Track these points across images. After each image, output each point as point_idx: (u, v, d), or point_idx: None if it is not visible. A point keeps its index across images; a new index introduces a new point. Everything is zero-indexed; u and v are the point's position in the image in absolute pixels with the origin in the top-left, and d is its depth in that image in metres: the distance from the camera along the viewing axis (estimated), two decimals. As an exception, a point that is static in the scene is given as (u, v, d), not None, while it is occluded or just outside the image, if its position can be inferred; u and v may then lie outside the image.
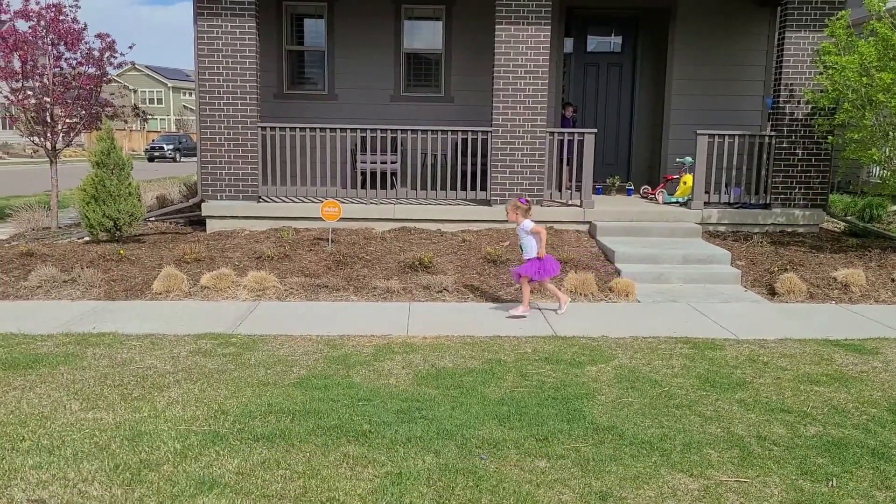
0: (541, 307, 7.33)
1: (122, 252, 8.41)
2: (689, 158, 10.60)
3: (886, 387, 4.94)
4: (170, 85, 75.65)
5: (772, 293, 7.86)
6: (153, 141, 48.85)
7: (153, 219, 10.86)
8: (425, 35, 11.70)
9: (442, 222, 9.90)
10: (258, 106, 9.78)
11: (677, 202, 10.43)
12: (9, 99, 10.41)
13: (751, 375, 5.16)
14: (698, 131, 9.83)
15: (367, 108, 11.44)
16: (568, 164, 10.41)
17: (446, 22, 11.44)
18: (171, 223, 10.89)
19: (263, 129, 9.80)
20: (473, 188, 10.04)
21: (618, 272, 8.35)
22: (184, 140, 50.78)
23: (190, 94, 79.83)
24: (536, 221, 7.09)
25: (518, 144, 9.80)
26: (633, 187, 11.54)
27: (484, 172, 10.07)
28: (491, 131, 9.83)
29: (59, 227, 11.03)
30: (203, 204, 9.85)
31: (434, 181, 10.17)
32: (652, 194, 11.05)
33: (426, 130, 9.95)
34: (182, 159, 46.41)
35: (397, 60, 11.52)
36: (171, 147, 46.74)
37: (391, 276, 8.13)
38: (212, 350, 5.67)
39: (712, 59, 11.53)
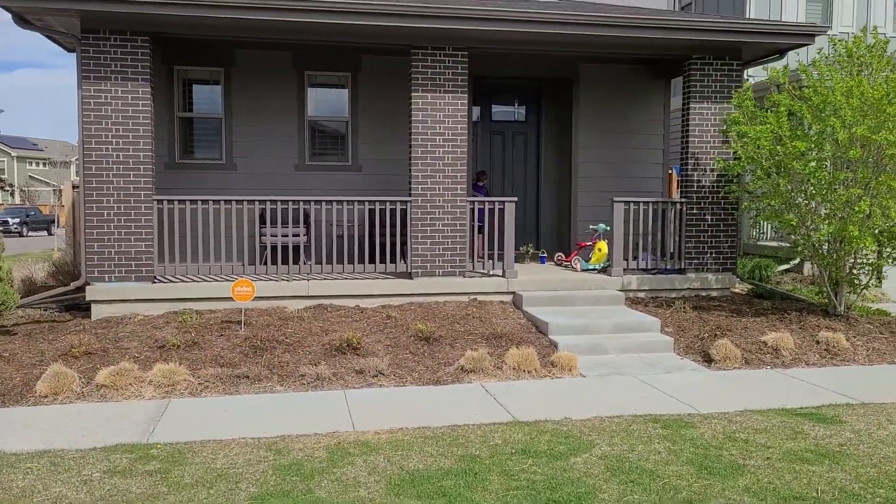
0: (486, 386, 6.87)
1: (-6, 348, 7.15)
2: (602, 225, 10.65)
3: (875, 461, 4.83)
4: (13, 154, 70.06)
5: (707, 360, 7.82)
6: (-4, 208, 44.74)
7: (23, 305, 9.47)
8: (330, 102, 11.24)
9: (360, 298, 9.27)
10: (153, 177, 8.86)
11: (594, 269, 10.40)
12: None
13: (740, 457, 4.90)
14: (615, 199, 9.90)
15: (269, 178, 10.73)
16: (480, 233, 10.17)
17: (352, 89, 11.05)
18: (44, 309, 9.54)
19: (160, 202, 8.86)
20: (393, 260, 9.52)
21: (554, 345, 8.06)
22: (31, 213, 46.83)
23: (36, 164, 74.35)
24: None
25: (438, 214, 9.44)
26: (546, 255, 11.46)
27: (402, 244, 9.60)
28: (410, 201, 9.42)
29: None
30: (88, 287, 8.68)
31: (349, 254, 9.57)
32: (567, 262, 10.99)
33: (333, 201, 9.39)
34: (29, 233, 42.72)
35: (301, 128, 10.95)
36: (16, 220, 42.96)
37: (318, 360, 7.39)
38: (130, 468, 4.73)
39: (614, 127, 11.83)
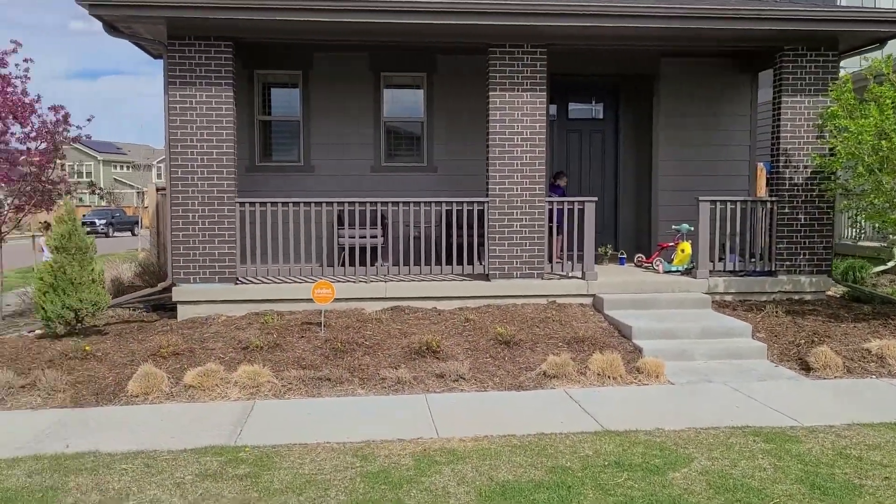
0: (569, 393, 6.67)
1: (87, 348, 7.37)
2: (685, 225, 10.27)
3: None
4: (100, 158, 73.37)
5: (805, 368, 7.40)
6: (85, 216, 46.83)
7: (113, 305, 9.77)
8: (406, 103, 11.21)
9: (437, 300, 9.19)
10: (236, 180, 9.00)
11: (678, 270, 10.04)
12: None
13: (855, 476, 4.57)
14: (700, 198, 9.52)
15: (346, 179, 10.78)
16: (559, 234, 9.94)
17: (427, 90, 10.99)
18: (132, 309, 9.83)
19: (242, 204, 9.00)
20: (469, 262, 9.40)
21: (638, 350, 7.78)
22: (116, 214, 48.98)
23: (120, 167, 77.64)
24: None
25: (516, 214, 9.27)
26: (625, 256, 11.13)
27: (478, 245, 9.48)
28: (487, 202, 9.29)
29: (3, 319, 9.82)
30: (174, 288, 8.89)
31: (427, 256, 9.51)
32: (648, 263, 10.65)
33: (410, 202, 9.33)
34: (115, 234, 44.61)
35: (377, 130, 10.96)
36: (103, 222, 44.99)
37: (397, 363, 7.34)
38: (221, 471, 4.75)
39: (697, 123, 11.41)
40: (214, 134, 8.82)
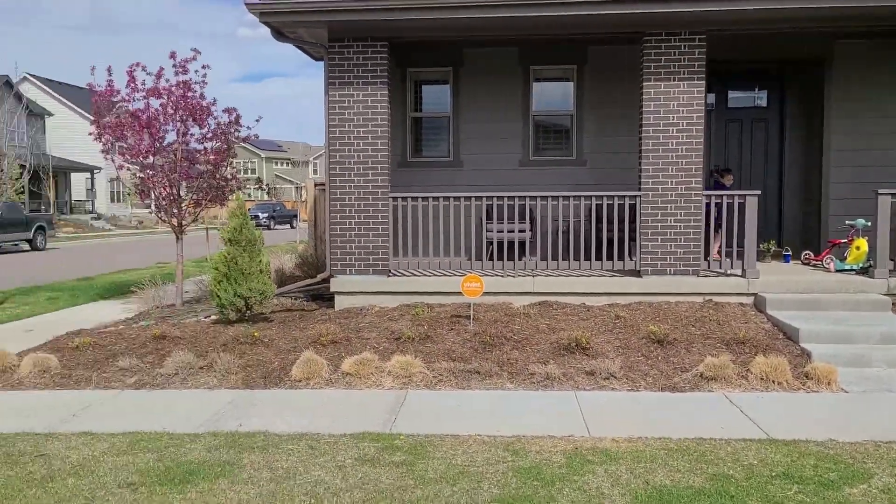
0: (729, 397, 6.33)
1: (255, 334, 7.92)
2: (861, 220, 9.44)
3: None
4: (263, 155, 78.56)
5: None
6: (250, 209, 50.43)
7: (277, 294, 10.43)
8: (555, 96, 11.09)
9: (585, 295, 9.04)
10: (389, 176, 9.31)
11: (851, 269, 9.25)
12: (138, 176, 10.33)
13: None
14: (879, 190, 8.72)
15: (493, 174, 10.84)
16: (717, 230, 9.46)
17: (577, 82, 10.81)
18: (293, 298, 10.44)
19: (395, 199, 9.29)
20: (620, 258, 9.17)
21: (806, 354, 7.25)
22: (277, 208, 52.39)
23: (280, 164, 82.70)
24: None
25: (670, 209, 8.93)
26: (790, 253, 10.41)
27: (630, 240, 9.22)
28: (639, 196, 9.01)
29: (184, 304, 10.75)
30: (332, 279, 9.35)
31: (575, 251, 9.37)
32: (817, 261, 9.89)
33: (559, 196, 9.21)
34: (276, 227, 47.64)
35: (526, 124, 10.93)
36: (265, 215, 48.23)
37: (546, 359, 7.30)
38: (378, 457, 4.94)
39: (874, 110, 10.43)
40: (370, 131, 9.16)
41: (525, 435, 5.39)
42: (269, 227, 46.28)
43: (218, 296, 8.50)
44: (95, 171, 48.15)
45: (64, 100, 49.87)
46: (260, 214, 47.46)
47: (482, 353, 7.49)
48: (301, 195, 48.53)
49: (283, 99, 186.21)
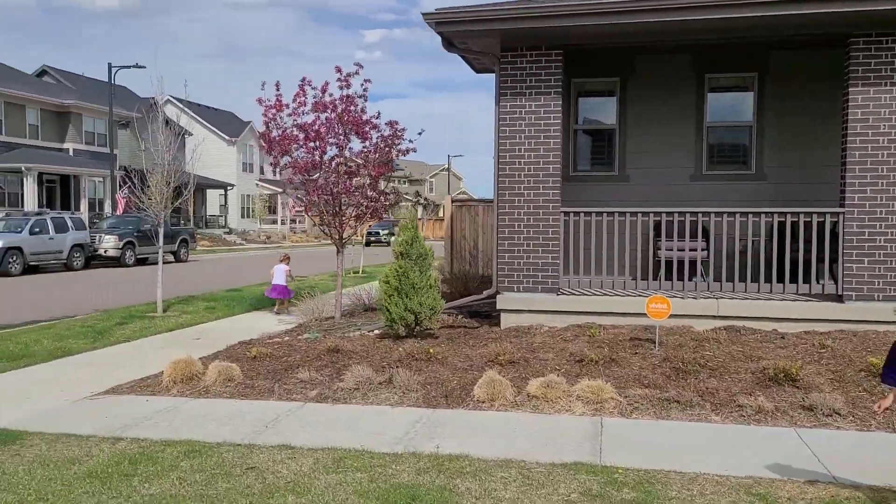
0: None
1: (430, 351, 7.67)
2: None
3: None
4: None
5: None
6: (370, 227, 51.56)
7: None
8: (732, 106, 10.39)
9: (777, 321, 8.27)
10: (560, 189, 8.91)
11: None
12: (303, 189, 10.43)
13: None
14: None
15: (663, 189, 10.23)
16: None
17: (758, 90, 10.06)
18: (451, 315, 10.20)
19: (566, 214, 8.88)
20: (807, 280, 8.35)
21: None
22: (396, 224, 53.31)
23: (397, 182, 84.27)
24: None
25: (881, 228, 8.04)
26: None
27: (831, 261, 8.38)
28: (843, 213, 8.18)
29: (342, 317, 10.75)
30: (499, 296, 9.02)
31: (754, 272, 8.62)
32: None
33: (737, 213, 8.51)
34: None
35: (699, 135, 10.27)
36: (385, 232, 49.03)
37: (750, 389, 6.62)
38: (604, 492, 4.49)
39: None
40: (542, 143, 8.82)
41: (761, 477, 4.78)
42: (388, 244, 47.03)
43: (388, 310, 8.34)
44: (228, 188, 50.68)
45: (202, 120, 52.90)
46: (380, 231, 48.34)
47: (676, 380, 6.90)
48: (438, 212, 49.17)
49: (397, 119, 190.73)
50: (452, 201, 16.83)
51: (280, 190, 60.32)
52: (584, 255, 8.92)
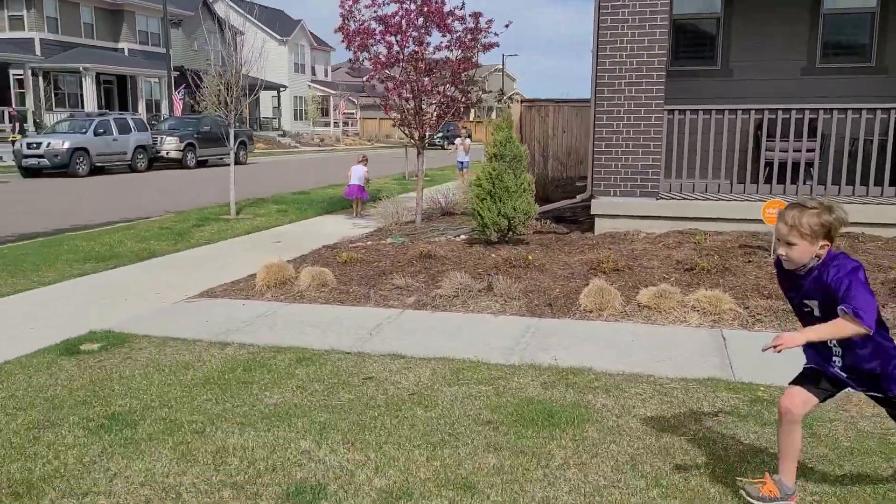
0: None
1: (529, 257, 7.34)
2: None
3: None
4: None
5: None
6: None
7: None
8: (853, -10, 9.39)
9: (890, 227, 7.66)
10: (664, 85, 8.24)
11: None
12: (384, 86, 9.93)
13: None
14: None
15: (769, 84, 9.44)
16: None
17: (885, -28, 9.03)
18: (539, 221, 9.79)
19: (670, 112, 8.24)
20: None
21: None
22: (451, 128, 52.20)
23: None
24: None
25: None
26: None
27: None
28: None
29: (422, 221, 10.45)
30: (593, 201, 8.57)
31: (879, 174, 7.94)
32: None
33: (856, 109, 7.75)
34: (448, 146, 47.56)
35: (813, 25, 9.35)
36: (439, 135, 48.14)
37: (884, 301, 6.14)
38: (756, 414, 4.16)
39: None
40: (647, 34, 8.09)
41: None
42: (442, 147, 46.29)
43: (480, 215, 7.98)
44: (281, 90, 50.04)
45: (253, 19, 51.74)
46: (434, 135, 47.54)
47: (797, 291, 6.45)
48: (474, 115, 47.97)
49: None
50: (521, 101, 16.11)
51: (333, 91, 59.62)
52: (688, 157, 8.33)
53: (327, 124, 57.37)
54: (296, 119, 54.88)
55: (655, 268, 7.17)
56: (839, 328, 2.79)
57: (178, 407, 4.18)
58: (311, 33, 58.63)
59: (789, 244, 2.85)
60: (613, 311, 6.31)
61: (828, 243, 2.85)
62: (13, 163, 22.87)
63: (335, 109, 56.94)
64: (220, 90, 12.33)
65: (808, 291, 2.97)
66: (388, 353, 5.28)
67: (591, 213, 8.60)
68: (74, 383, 4.54)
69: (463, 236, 8.90)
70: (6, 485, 3.24)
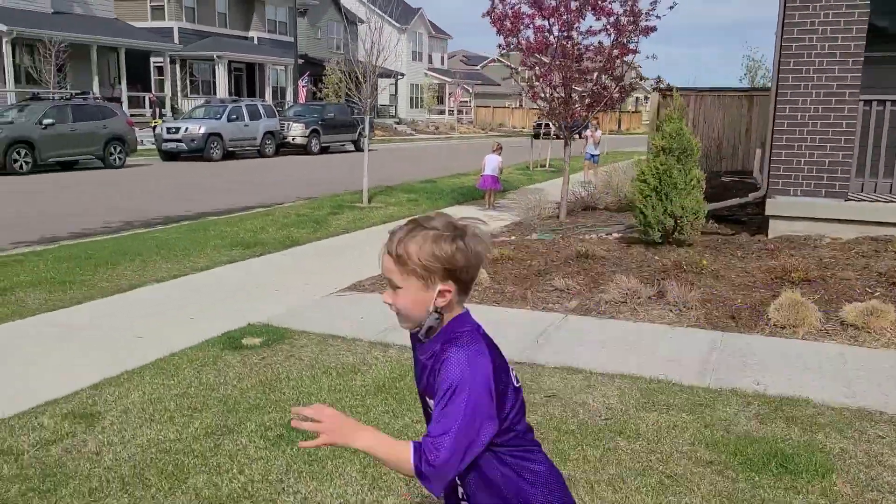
0: None
1: (703, 262, 6.65)
2: None
3: None
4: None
5: None
6: (539, 118, 49.72)
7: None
8: None
9: None
10: (860, 73, 7.29)
11: None
12: (532, 72, 9.42)
13: None
14: None
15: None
16: None
17: None
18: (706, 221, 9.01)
19: (866, 103, 7.29)
20: None
21: None
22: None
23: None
24: None
25: None
26: None
27: None
28: None
29: (567, 216, 9.90)
30: (769, 201, 7.74)
31: None
32: None
33: None
34: (576, 138, 46.35)
35: None
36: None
37: None
38: None
39: None
40: (842, 15, 7.16)
41: None
42: (558, 137, 45.24)
43: (643, 213, 7.34)
44: (399, 77, 50.36)
45: (372, 6, 52.37)
46: (550, 123, 46.54)
47: None
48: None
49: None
50: (659, 90, 15.19)
51: (448, 79, 59.57)
52: (885, 154, 7.37)
53: (442, 112, 57.40)
54: (411, 107, 55.20)
55: (853, 280, 6.31)
56: None
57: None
58: (430, 21, 58.76)
59: (394, 287, 1.81)
60: (811, 328, 5.55)
61: (449, 289, 1.76)
62: (153, 146, 23.95)
63: (450, 97, 56.85)
64: (355, 79, 12.19)
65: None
66: (564, 365, 4.80)
67: (766, 213, 7.77)
68: (244, 383, 4.32)
69: (616, 234, 8.29)
70: (195, 500, 2.99)
